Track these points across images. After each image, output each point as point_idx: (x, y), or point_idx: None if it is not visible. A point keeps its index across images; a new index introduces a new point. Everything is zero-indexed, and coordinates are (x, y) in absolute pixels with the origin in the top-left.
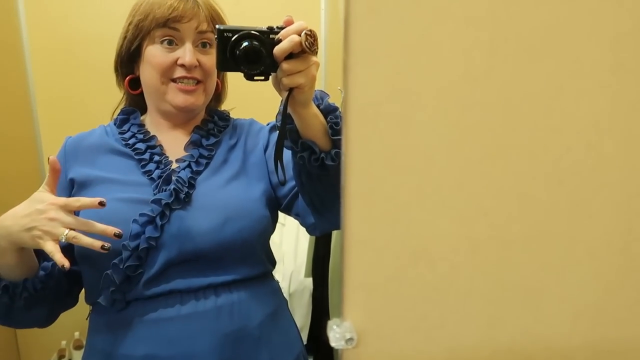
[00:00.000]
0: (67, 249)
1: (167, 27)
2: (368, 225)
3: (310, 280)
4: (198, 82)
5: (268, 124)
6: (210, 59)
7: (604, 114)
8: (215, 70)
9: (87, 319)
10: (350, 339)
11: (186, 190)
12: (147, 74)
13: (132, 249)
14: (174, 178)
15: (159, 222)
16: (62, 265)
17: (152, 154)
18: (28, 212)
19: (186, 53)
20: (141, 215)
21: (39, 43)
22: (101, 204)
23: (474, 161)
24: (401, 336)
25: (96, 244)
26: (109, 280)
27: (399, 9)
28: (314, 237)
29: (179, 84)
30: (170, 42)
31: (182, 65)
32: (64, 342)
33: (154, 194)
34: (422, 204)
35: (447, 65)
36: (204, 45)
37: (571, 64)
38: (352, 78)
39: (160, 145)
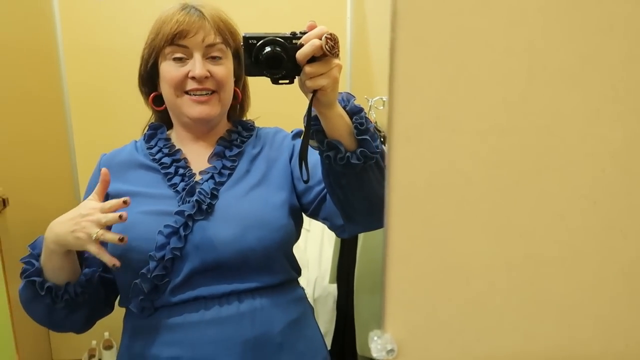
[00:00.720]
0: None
1: (174, 45)
2: (409, 242)
3: (334, 286)
4: (212, 92)
5: (292, 132)
6: (221, 69)
7: (638, 138)
8: (229, 80)
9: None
10: (391, 350)
11: (208, 201)
12: (165, 89)
13: (158, 259)
14: (197, 190)
15: (182, 233)
16: (113, 265)
17: (177, 167)
18: (73, 217)
19: (196, 65)
20: (166, 226)
21: (74, 52)
22: (125, 202)
23: (511, 183)
24: (439, 349)
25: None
26: (138, 289)
27: (442, 40)
28: (338, 244)
29: (193, 95)
30: (180, 58)
31: (194, 78)
32: (94, 342)
33: (178, 206)
34: (460, 224)
35: (487, 92)
36: (214, 57)
37: (606, 91)
38: (396, 103)
39: (185, 159)
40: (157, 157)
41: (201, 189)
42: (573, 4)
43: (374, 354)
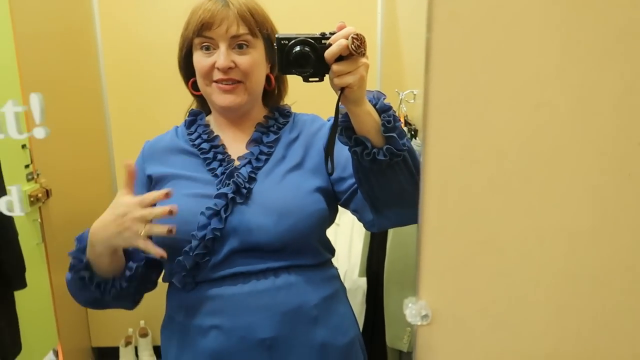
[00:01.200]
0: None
1: (201, 36)
2: (443, 214)
3: (364, 279)
4: (238, 81)
5: (329, 119)
6: (247, 59)
7: None
8: (255, 69)
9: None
10: (426, 316)
11: (247, 185)
12: (197, 77)
13: (199, 239)
14: (235, 174)
15: (223, 215)
16: (161, 256)
17: (215, 153)
18: (113, 219)
19: (220, 56)
20: (207, 208)
21: (112, 46)
22: (167, 195)
23: (545, 156)
24: (471, 317)
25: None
26: (181, 266)
27: (479, 15)
28: (368, 238)
29: (220, 84)
30: (207, 48)
31: (219, 68)
32: (130, 330)
33: (217, 190)
34: (494, 196)
35: (522, 67)
36: (240, 46)
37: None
38: (432, 79)
39: (223, 145)
40: (196, 142)
41: (239, 173)
42: None
43: (409, 319)
